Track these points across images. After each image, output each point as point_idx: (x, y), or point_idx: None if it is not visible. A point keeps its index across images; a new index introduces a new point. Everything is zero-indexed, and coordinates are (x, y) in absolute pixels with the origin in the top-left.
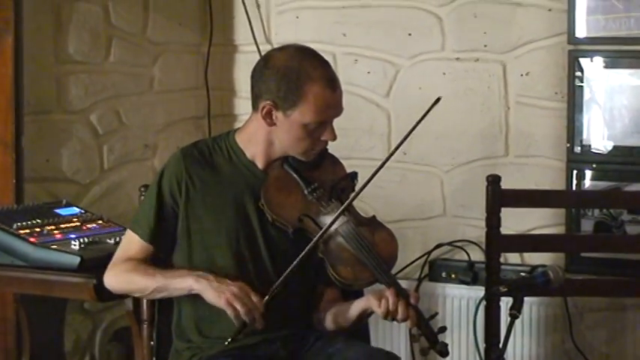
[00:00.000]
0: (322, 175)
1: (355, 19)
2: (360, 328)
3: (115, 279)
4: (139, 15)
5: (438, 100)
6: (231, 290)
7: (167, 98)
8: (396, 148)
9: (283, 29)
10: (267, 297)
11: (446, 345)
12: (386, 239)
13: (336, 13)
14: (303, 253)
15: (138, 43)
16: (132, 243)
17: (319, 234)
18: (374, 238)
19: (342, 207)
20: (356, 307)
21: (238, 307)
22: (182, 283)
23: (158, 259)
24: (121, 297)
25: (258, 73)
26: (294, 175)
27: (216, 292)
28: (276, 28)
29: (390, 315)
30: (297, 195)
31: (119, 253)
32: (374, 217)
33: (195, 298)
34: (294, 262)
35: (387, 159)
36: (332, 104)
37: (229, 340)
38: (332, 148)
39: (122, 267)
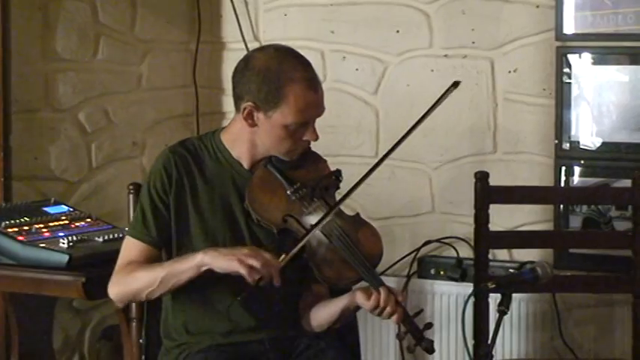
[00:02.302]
0: (305, 175)
1: (343, 16)
2: (349, 331)
3: (118, 286)
4: (126, 13)
5: (456, 83)
6: (242, 252)
7: (155, 96)
8: (404, 137)
9: (271, 27)
10: (282, 256)
11: (432, 342)
12: (370, 237)
13: (324, 11)
14: (295, 249)
15: (126, 41)
16: (132, 248)
17: (303, 238)
18: (358, 236)
19: (325, 214)
20: (341, 303)
21: (253, 262)
22: (190, 262)
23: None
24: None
25: (239, 74)
26: (277, 175)
27: (227, 257)
28: (264, 26)
29: (378, 310)
30: (281, 195)
31: (119, 262)
32: (358, 214)
33: (182, 298)
34: (290, 254)
35: (389, 152)
36: (313, 104)
37: (240, 297)
38: (320, 145)
39: (124, 272)
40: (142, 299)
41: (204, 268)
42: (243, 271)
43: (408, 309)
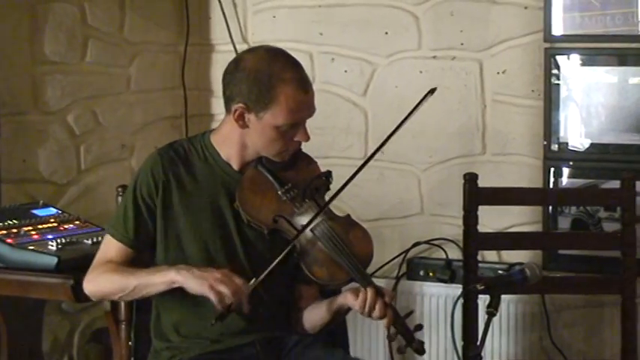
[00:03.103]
0: (296, 175)
1: (332, 18)
2: (338, 332)
3: (93, 283)
4: (115, 15)
5: (433, 90)
6: (213, 276)
7: (144, 98)
8: (386, 140)
9: (260, 29)
10: (252, 281)
11: (422, 343)
12: (361, 238)
13: (312, 12)
14: (283, 254)
15: (114, 43)
16: (110, 246)
17: (294, 239)
18: (349, 238)
19: (318, 211)
20: (332, 304)
21: (223, 289)
22: (163, 277)
23: (139, 262)
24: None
25: (229, 76)
26: (268, 176)
27: (198, 280)
28: (252, 28)
29: (367, 311)
30: (271, 196)
31: (97, 258)
32: (348, 215)
33: (174, 298)
34: (275, 260)
35: (373, 155)
36: (304, 105)
37: (213, 322)
38: (309, 147)
39: (101, 269)
40: (115, 300)
41: (175, 285)
42: (212, 297)
43: (397, 310)
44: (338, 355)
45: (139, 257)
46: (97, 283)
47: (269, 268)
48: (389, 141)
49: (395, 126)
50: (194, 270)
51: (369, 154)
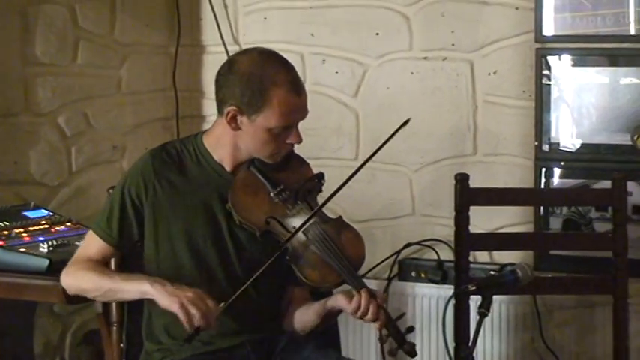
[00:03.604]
0: (288, 177)
1: (323, 19)
2: (330, 333)
3: (70, 277)
4: (106, 16)
5: (406, 121)
6: (185, 295)
7: (135, 100)
8: (362, 166)
9: (251, 30)
10: (222, 303)
11: (414, 345)
12: (353, 240)
13: (303, 14)
14: (269, 261)
15: (105, 45)
16: (92, 243)
17: (284, 243)
18: (340, 240)
19: (309, 217)
20: (324, 306)
21: (193, 310)
22: (137, 286)
23: (123, 263)
24: (89, 299)
25: (222, 78)
26: (260, 178)
27: (170, 297)
28: (243, 29)
29: (360, 313)
30: (264, 197)
31: (78, 253)
32: (340, 217)
33: None
34: (260, 269)
35: (354, 173)
36: (297, 108)
37: (182, 343)
38: (301, 148)
39: (79, 265)
40: (90, 297)
41: (147, 296)
42: (182, 316)
43: (389, 312)
44: (331, 355)
45: (124, 255)
46: (75, 277)
47: (238, 292)
48: (378, 142)
49: (393, 129)
50: (168, 286)
51: (360, 155)
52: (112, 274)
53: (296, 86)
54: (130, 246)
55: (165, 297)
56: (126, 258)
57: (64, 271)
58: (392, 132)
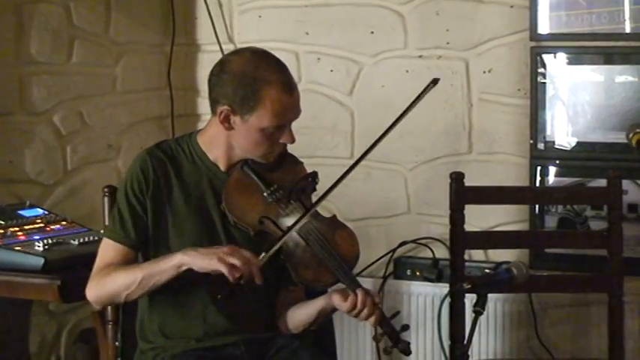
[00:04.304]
0: (282, 177)
1: (317, 17)
2: (326, 340)
3: (97, 287)
4: (101, 15)
5: (435, 80)
6: (222, 250)
7: (130, 98)
8: (382, 137)
9: (246, 28)
10: (263, 254)
11: (408, 344)
12: (347, 239)
13: (298, 12)
14: (271, 251)
15: (100, 44)
16: (109, 251)
17: (280, 240)
18: (335, 238)
19: (304, 213)
20: (317, 304)
21: (234, 261)
22: (170, 261)
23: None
24: (84, 297)
25: (215, 78)
26: (254, 177)
27: (206, 256)
28: (238, 28)
29: (354, 312)
30: (257, 197)
31: (97, 265)
32: (334, 216)
33: (157, 300)
34: (264, 258)
35: (365, 153)
36: (289, 108)
37: (221, 296)
38: (295, 147)
39: (102, 273)
40: (121, 301)
41: (184, 268)
42: (224, 269)
43: (384, 310)
44: None
45: (137, 258)
46: (101, 286)
47: (278, 245)
48: (373, 140)
49: (391, 121)
50: (199, 249)
51: (355, 153)
52: (139, 265)
53: (288, 86)
54: (146, 243)
55: (201, 259)
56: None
57: (88, 287)
58: (420, 92)
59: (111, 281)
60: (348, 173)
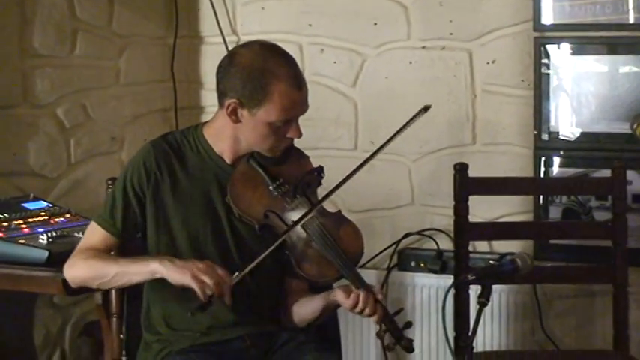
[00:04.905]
0: (288, 171)
1: (321, 9)
2: (331, 335)
3: (73, 268)
4: (104, 8)
5: (426, 107)
6: (196, 266)
7: (133, 91)
8: (373, 155)
9: (249, 20)
10: (236, 274)
11: (411, 341)
12: (351, 235)
13: (301, 4)
14: (270, 249)
15: (103, 36)
16: (95, 234)
17: (284, 234)
18: (339, 234)
19: (309, 210)
20: (322, 300)
21: (205, 279)
22: (145, 266)
23: (127, 251)
24: (88, 290)
25: (223, 70)
26: (260, 171)
27: (180, 270)
28: (241, 20)
29: (357, 310)
30: (263, 191)
31: (80, 244)
32: (339, 211)
33: (163, 291)
34: (263, 254)
35: (362, 165)
36: (297, 103)
37: (192, 313)
38: (299, 139)
39: (82, 256)
40: (93, 287)
41: (157, 276)
42: (195, 286)
43: (388, 304)
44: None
45: (125, 247)
46: (78, 267)
47: (253, 263)
48: (377, 132)
49: (385, 140)
50: (176, 260)
51: (359, 145)
52: (117, 259)
53: (297, 80)
54: (133, 236)
55: (175, 271)
56: (126, 252)
57: (67, 264)
58: (409, 118)
59: (86, 266)
60: (347, 179)
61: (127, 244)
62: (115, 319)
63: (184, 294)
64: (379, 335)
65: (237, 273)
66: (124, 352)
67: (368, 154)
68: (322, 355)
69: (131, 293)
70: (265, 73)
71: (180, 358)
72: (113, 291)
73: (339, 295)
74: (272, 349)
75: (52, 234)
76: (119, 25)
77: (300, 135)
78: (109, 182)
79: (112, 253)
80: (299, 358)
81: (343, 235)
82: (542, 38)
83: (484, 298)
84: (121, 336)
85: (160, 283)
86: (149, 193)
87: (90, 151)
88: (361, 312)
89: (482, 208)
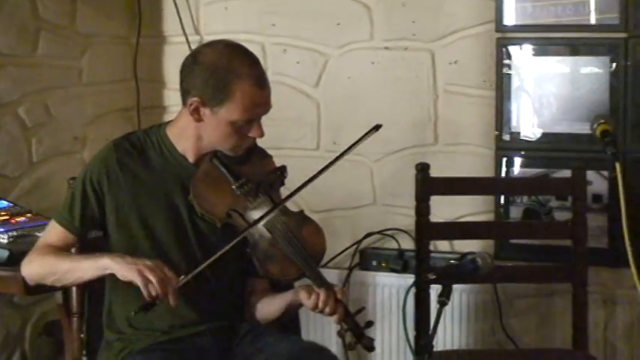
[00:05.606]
0: (251, 170)
1: (284, 9)
2: (290, 322)
3: (30, 265)
4: (66, 7)
5: (377, 127)
6: (144, 264)
7: (96, 90)
8: (327, 167)
9: (212, 20)
10: (182, 277)
11: (372, 340)
12: (314, 234)
13: (264, 3)
14: (226, 248)
15: (66, 36)
16: (53, 231)
17: (243, 232)
18: (302, 233)
19: (268, 211)
20: (284, 299)
21: (151, 277)
22: (96, 262)
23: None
24: (49, 289)
25: (186, 69)
26: (223, 170)
27: (128, 266)
28: (204, 19)
29: (318, 309)
30: (226, 190)
31: (39, 242)
32: (302, 211)
33: (125, 290)
34: (218, 253)
35: (317, 175)
36: (260, 102)
37: (135, 312)
38: (262, 138)
39: (38, 252)
40: (48, 284)
41: (108, 272)
42: (140, 284)
43: (349, 303)
44: (290, 340)
45: (86, 246)
46: (34, 264)
47: (204, 264)
48: (339, 132)
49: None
50: (127, 257)
51: (321, 145)
52: (71, 255)
53: (260, 80)
54: (90, 233)
55: (123, 267)
56: (86, 250)
57: (24, 261)
58: (361, 135)
59: (42, 263)
60: (308, 183)
61: (89, 244)
62: (75, 319)
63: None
64: (340, 334)
65: (182, 276)
66: (84, 352)
67: (330, 154)
68: (283, 335)
69: (92, 292)
70: (228, 72)
71: (141, 357)
72: (74, 290)
73: (301, 295)
74: (234, 341)
75: (12, 233)
76: (82, 25)
77: (262, 134)
78: (71, 181)
79: (73, 251)
80: (260, 341)
81: (306, 234)
82: (504, 39)
83: (444, 298)
84: (82, 335)
85: (122, 281)
86: (109, 193)
87: (51, 150)
88: (322, 311)
89: (444, 208)
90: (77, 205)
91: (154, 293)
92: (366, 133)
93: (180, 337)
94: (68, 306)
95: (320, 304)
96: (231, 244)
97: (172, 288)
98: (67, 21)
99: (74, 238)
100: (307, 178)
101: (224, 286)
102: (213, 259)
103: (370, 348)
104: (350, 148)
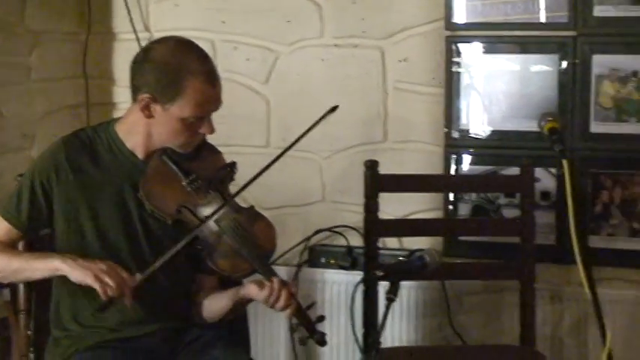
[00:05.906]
0: (201, 166)
1: (234, 6)
2: (240, 333)
3: None
4: (16, 3)
5: (334, 108)
6: (98, 267)
7: (45, 87)
8: (284, 152)
9: (162, 17)
10: (137, 275)
11: (324, 334)
12: (264, 229)
13: (214, 1)
14: (179, 245)
15: (15, 32)
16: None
17: (195, 229)
18: (252, 229)
19: (219, 207)
20: (233, 296)
21: (107, 280)
22: (46, 263)
23: (37, 244)
24: None
25: (137, 65)
26: (173, 166)
27: (83, 270)
28: (154, 16)
29: (270, 302)
30: (176, 186)
31: None
32: (252, 207)
33: (72, 287)
34: (171, 251)
35: (272, 162)
36: (211, 99)
37: (94, 312)
38: (212, 135)
39: None
40: None
41: (59, 273)
42: (97, 287)
43: (299, 300)
44: (238, 357)
45: (33, 243)
46: None
47: (157, 264)
48: (289, 129)
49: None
50: (79, 259)
51: (270, 142)
52: (20, 253)
53: (211, 77)
54: (38, 231)
55: (77, 270)
56: (33, 247)
57: None
58: (318, 117)
59: None
60: (259, 175)
61: (35, 240)
62: (22, 316)
63: (93, 291)
64: (292, 329)
65: (138, 275)
66: (31, 349)
67: (280, 151)
68: (230, 350)
69: (40, 290)
70: (179, 68)
71: (88, 354)
72: (21, 287)
73: (251, 289)
74: (181, 345)
75: None
76: (31, 21)
77: (213, 131)
78: (19, 178)
79: (20, 247)
80: (207, 353)
81: (257, 230)
82: (453, 37)
83: (392, 294)
84: (29, 333)
85: (69, 279)
86: (57, 189)
87: (0, 147)
88: (274, 304)
89: (393, 205)
90: (25, 202)
91: (111, 294)
92: (324, 115)
93: (129, 337)
94: (15, 303)
95: (273, 294)
96: (184, 242)
97: (128, 288)
98: (16, 17)
99: (19, 234)
100: (260, 170)
101: (173, 285)
102: (167, 257)
103: (323, 342)
104: (308, 130)
